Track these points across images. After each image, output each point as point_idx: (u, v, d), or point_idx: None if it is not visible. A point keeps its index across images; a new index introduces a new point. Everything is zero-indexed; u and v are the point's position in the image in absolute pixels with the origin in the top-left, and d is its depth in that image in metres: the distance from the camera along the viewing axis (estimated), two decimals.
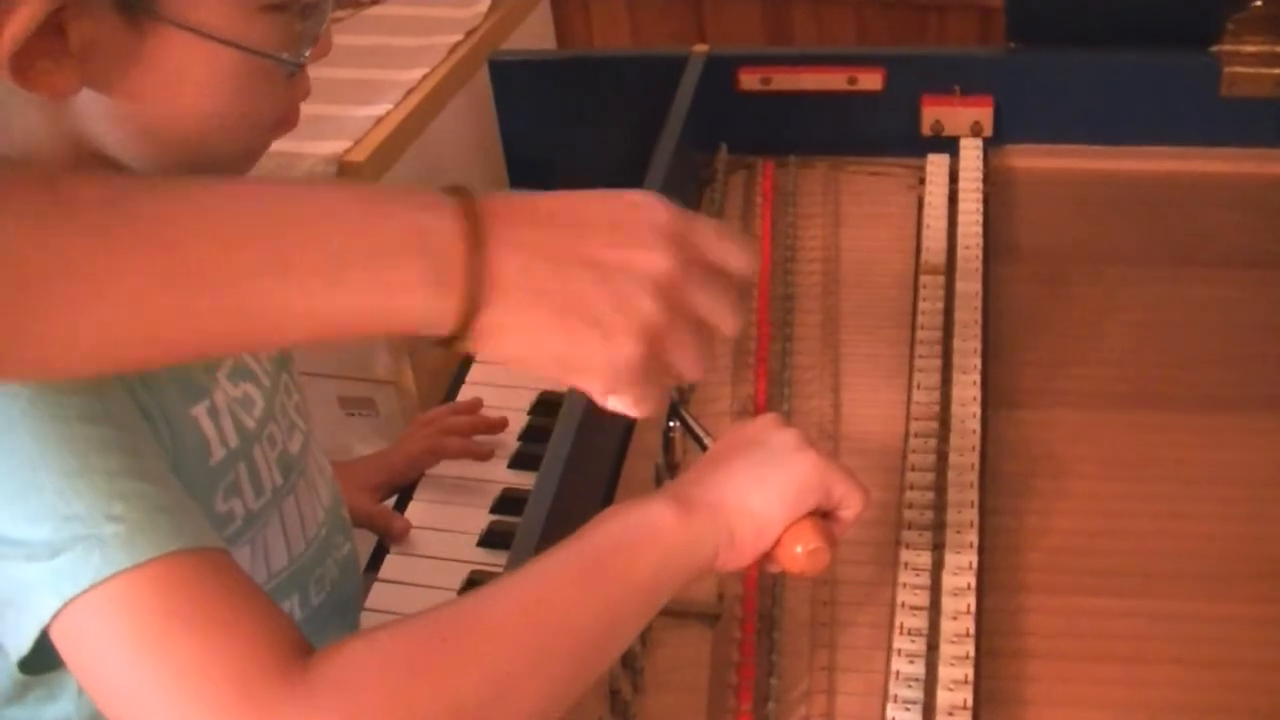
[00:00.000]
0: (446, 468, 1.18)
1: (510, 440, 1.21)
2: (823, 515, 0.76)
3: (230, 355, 0.73)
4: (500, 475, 1.18)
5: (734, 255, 0.66)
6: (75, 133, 0.69)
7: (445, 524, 1.14)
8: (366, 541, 1.13)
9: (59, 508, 0.62)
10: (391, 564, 1.11)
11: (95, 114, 0.68)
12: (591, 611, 0.68)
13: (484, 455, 1.19)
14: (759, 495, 0.74)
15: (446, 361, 1.44)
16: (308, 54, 0.71)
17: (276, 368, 0.85)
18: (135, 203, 0.59)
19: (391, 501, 1.17)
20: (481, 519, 1.13)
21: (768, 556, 0.75)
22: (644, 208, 0.65)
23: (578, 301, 0.62)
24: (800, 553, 0.74)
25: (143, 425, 0.69)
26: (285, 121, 0.74)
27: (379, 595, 1.08)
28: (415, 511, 1.15)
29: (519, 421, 1.23)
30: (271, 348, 0.77)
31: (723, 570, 0.75)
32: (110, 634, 0.62)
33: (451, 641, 0.64)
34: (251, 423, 0.80)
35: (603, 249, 0.63)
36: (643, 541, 0.71)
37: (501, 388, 1.27)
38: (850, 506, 0.76)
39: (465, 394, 1.27)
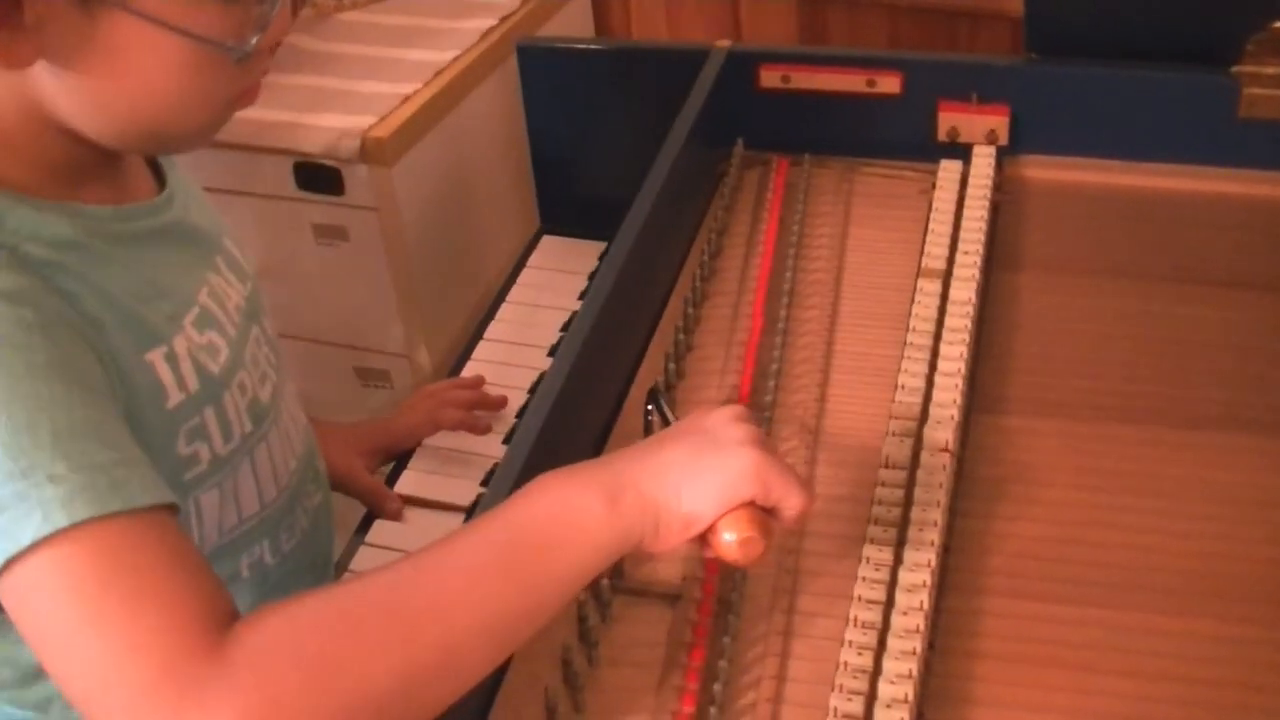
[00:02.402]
0: (443, 439, 1.21)
1: (509, 416, 1.24)
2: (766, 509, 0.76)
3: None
4: (495, 450, 1.20)
5: None
6: (34, 101, 0.72)
7: (436, 494, 1.16)
8: (358, 506, 1.16)
9: (4, 463, 0.65)
10: (380, 529, 1.13)
11: (53, 85, 0.71)
12: (510, 603, 0.69)
13: (481, 430, 1.21)
14: (690, 486, 0.74)
15: (459, 336, 1.47)
16: (254, 41, 0.73)
17: (246, 319, 0.88)
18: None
19: (387, 469, 1.20)
20: (472, 491, 1.16)
21: (702, 540, 0.76)
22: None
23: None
24: (731, 541, 0.74)
25: (97, 372, 0.71)
26: (243, 98, 0.77)
27: (365, 558, 1.10)
28: (408, 480, 1.18)
29: (518, 399, 1.25)
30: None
31: (646, 552, 0.76)
32: (48, 598, 0.65)
33: (368, 630, 0.66)
34: (216, 369, 0.83)
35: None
36: (569, 536, 0.71)
37: (505, 365, 1.29)
38: (790, 507, 0.76)
39: (470, 370, 1.29)
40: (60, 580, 0.64)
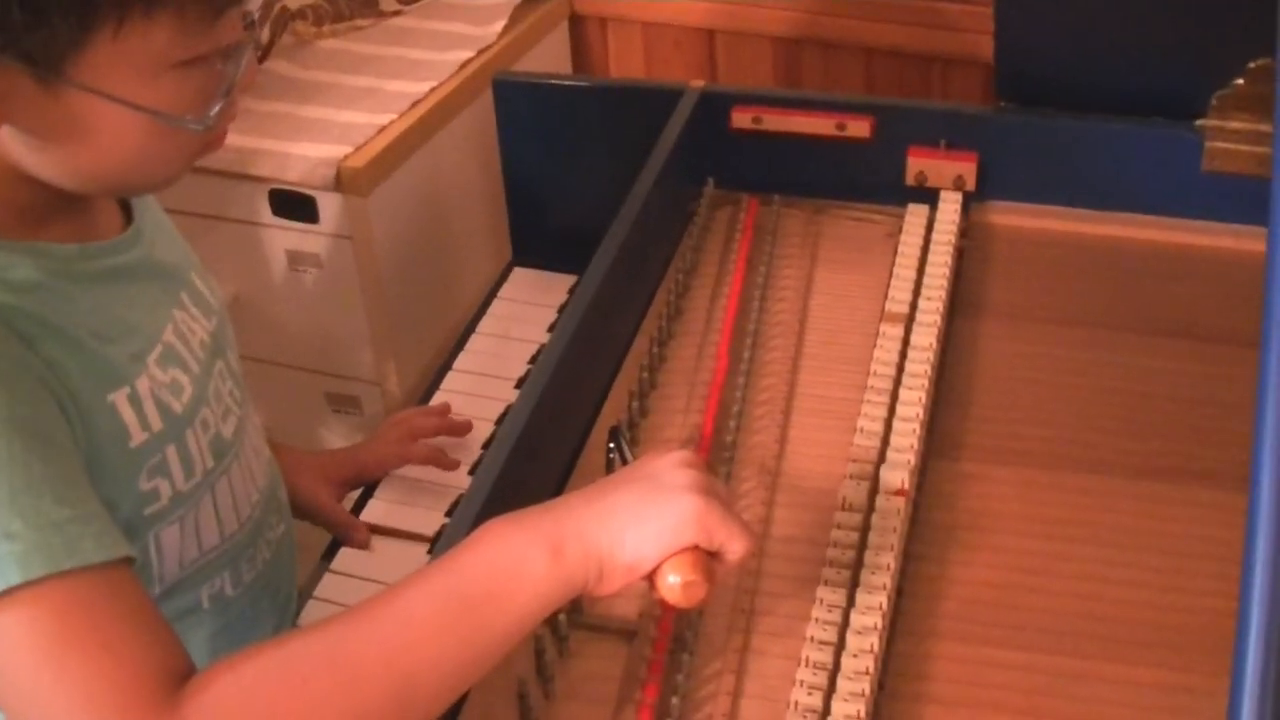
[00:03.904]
0: (411, 469, 1.22)
1: (475, 447, 1.24)
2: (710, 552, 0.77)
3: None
4: (461, 481, 1.21)
5: None
6: (1, 154, 0.74)
7: (402, 523, 1.17)
8: (324, 533, 1.16)
9: None
10: (345, 557, 1.14)
11: (18, 147, 0.73)
12: (455, 655, 0.71)
13: (449, 466, 1.21)
14: (635, 531, 0.75)
15: (429, 365, 1.48)
16: (215, 112, 0.75)
17: (210, 355, 0.89)
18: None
19: (354, 496, 1.20)
20: (437, 521, 1.17)
21: (649, 581, 0.77)
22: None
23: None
24: (674, 584, 0.75)
25: (57, 422, 0.73)
26: (210, 147, 0.78)
27: (330, 585, 1.11)
28: (375, 509, 1.18)
29: (485, 430, 1.26)
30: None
31: (591, 597, 0.77)
32: (6, 652, 0.66)
33: (313, 684, 0.67)
34: (179, 407, 0.84)
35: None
36: (513, 586, 0.72)
37: (473, 396, 1.30)
38: (733, 551, 0.77)
39: (438, 400, 1.30)
40: (17, 636, 0.66)
